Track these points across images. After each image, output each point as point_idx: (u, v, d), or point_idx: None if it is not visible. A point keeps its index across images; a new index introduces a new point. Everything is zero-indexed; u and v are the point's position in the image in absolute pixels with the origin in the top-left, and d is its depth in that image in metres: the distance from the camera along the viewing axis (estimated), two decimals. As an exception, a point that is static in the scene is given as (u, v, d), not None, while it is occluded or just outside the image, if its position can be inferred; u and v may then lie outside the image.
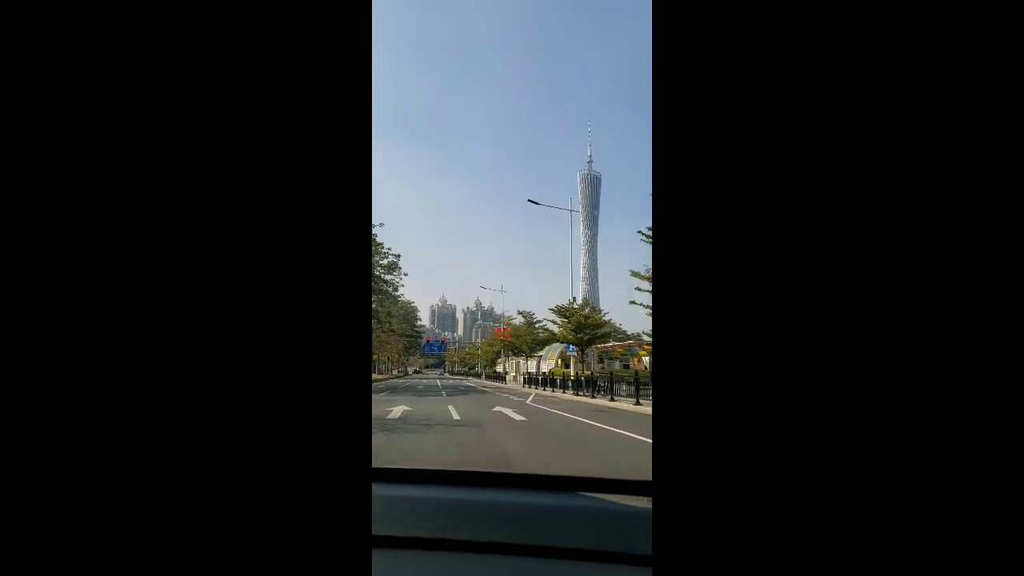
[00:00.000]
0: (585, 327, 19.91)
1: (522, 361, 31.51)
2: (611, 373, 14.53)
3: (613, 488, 0.93)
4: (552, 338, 26.25)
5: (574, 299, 19.48)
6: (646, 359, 22.78)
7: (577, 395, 14.82)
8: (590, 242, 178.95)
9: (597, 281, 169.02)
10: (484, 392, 18.16)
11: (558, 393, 16.48)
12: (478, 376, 40.57)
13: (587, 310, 20.61)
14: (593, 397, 13.58)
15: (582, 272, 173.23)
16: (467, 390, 19.53)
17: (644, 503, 0.86)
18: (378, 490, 0.91)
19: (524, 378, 23.83)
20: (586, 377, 16.29)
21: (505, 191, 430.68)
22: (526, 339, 27.12)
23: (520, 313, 27.16)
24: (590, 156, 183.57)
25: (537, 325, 27.38)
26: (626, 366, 22.34)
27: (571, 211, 18.88)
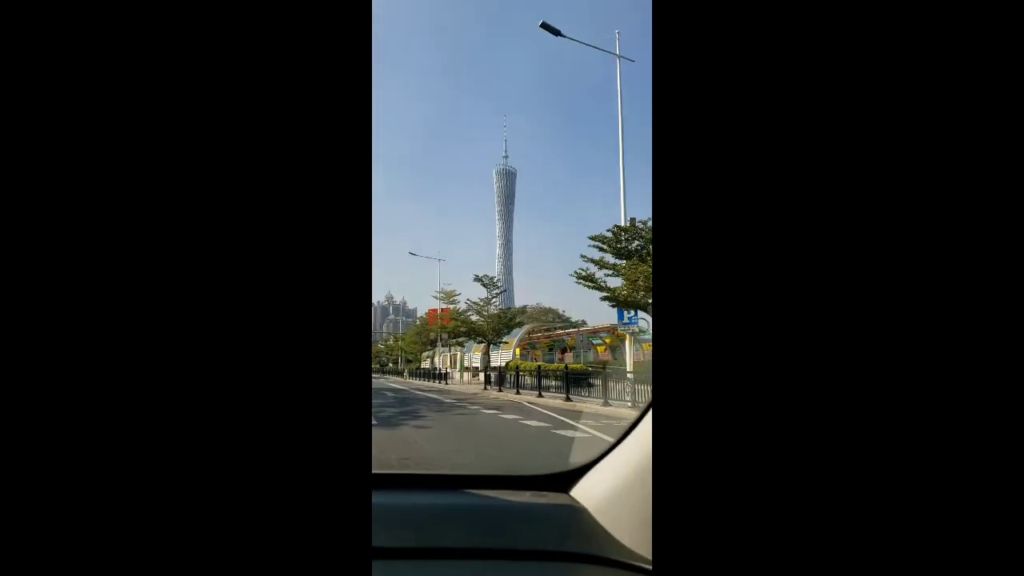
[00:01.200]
0: None
1: (460, 353, 23.40)
2: (604, 365, 11.68)
3: (497, 484, 0.93)
4: (498, 321, 18.38)
5: (633, 220, 10.08)
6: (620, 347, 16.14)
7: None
8: (505, 236, 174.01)
9: (512, 275, 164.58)
10: (444, 405, 9.91)
11: (592, 405, 8.75)
12: (399, 374, 31.50)
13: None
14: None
15: (497, 266, 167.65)
16: (402, 401, 11.10)
17: (528, 497, 0.87)
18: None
19: (485, 375, 15.71)
20: (574, 372, 10.53)
21: (420, 185, 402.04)
22: (489, 319, 18.35)
23: (479, 280, 18.49)
24: (505, 152, 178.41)
25: (495, 299, 18.91)
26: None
27: (618, 56, 11.16)
